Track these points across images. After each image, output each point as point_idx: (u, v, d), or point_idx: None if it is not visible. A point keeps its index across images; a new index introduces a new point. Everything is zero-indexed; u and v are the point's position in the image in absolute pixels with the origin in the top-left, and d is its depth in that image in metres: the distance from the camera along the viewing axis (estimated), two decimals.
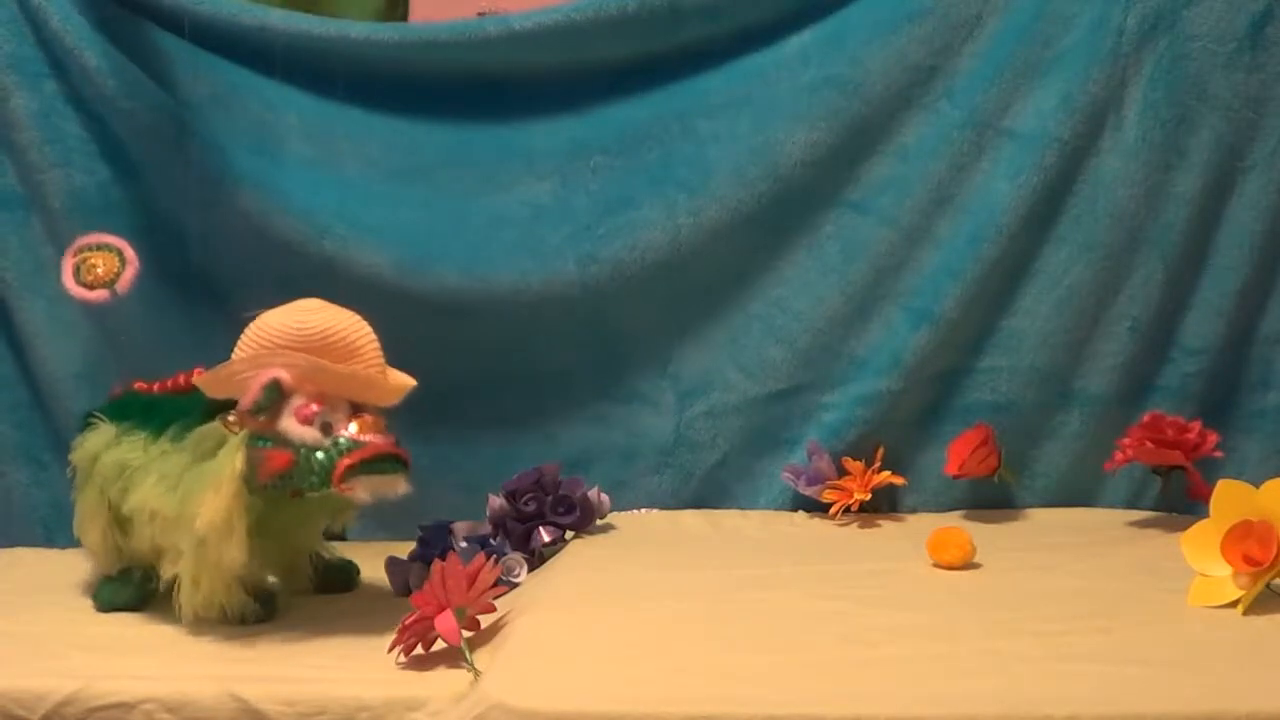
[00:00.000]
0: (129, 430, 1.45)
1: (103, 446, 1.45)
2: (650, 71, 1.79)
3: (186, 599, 1.34)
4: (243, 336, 1.38)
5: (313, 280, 1.76)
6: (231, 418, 1.33)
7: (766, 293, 1.80)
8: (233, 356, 1.38)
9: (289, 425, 1.32)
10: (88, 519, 1.47)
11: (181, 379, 1.48)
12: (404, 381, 1.41)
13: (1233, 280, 1.70)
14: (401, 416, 1.80)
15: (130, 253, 1.58)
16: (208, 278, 1.81)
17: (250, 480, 1.32)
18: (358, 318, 1.39)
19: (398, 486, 1.34)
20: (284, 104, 1.79)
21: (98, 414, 1.50)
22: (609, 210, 1.78)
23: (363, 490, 1.31)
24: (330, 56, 1.79)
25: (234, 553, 1.32)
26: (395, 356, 1.79)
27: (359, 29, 1.79)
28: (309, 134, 1.80)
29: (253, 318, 1.38)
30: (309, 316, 1.37)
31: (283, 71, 1.79)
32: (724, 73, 1.79)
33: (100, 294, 1.56)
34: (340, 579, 1.54)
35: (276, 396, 1.32)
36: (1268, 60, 1.68)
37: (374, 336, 1.39)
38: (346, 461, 1.30)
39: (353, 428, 1.33)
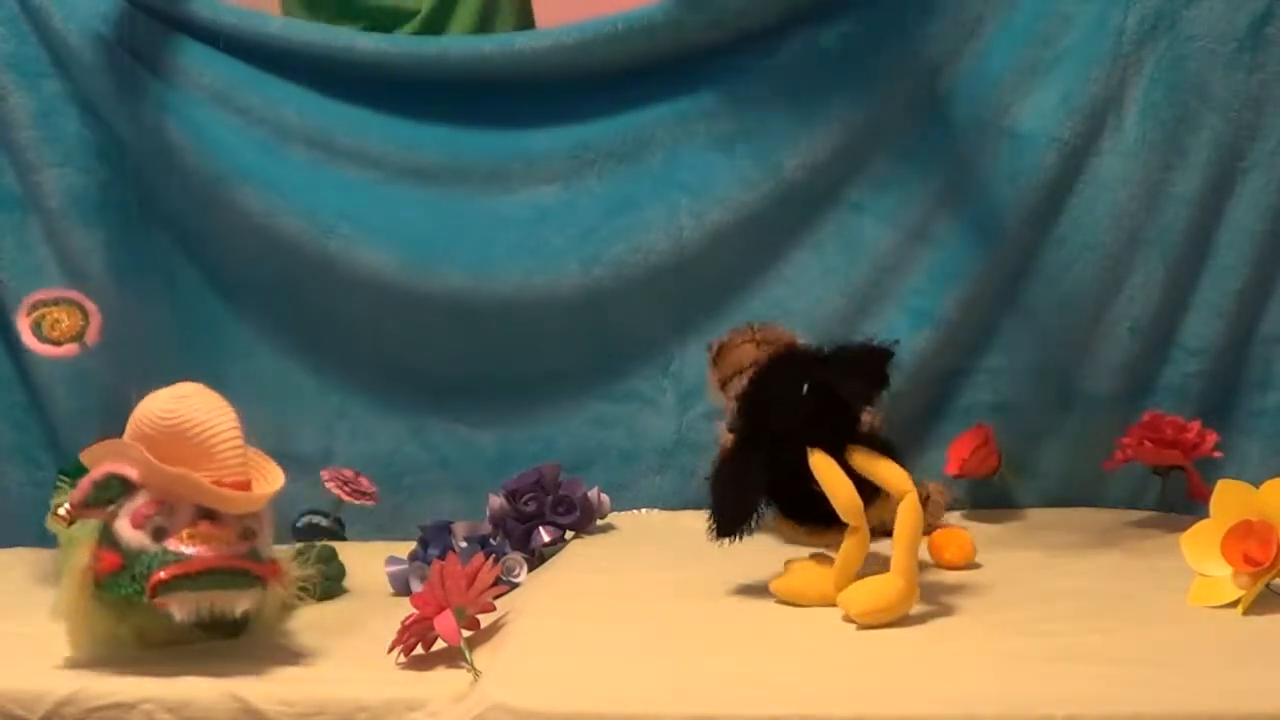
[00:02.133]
0: None
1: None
2: (653, 74, 1.80)
3: None
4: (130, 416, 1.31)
5: (315, 280, 1.78)
6: (61, 511, 1.25)
7: (768, 293, 1.80)
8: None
9: (122, 527, 1.24)
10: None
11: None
12: (254, 493, 1.29)
13: (1233, 280, 1.70)
14: (402, 416, 1.82)
15: (91, 305, 1.56)
16: (207, 278, 1.81)
17: (93, 578, 1.25)
18: (224, 410, 1.29)
19: (231, 604, 1.23)
20: (287, 103, 1.79)
21: (64, 477, 1.47)
22: (612, 212, 1.78)
23: (177, 608, 1.21)
24: (335, 62, 1.79)
25: (79, 647, 1.27)
26: (398, 356, 1.81)
27: (365, 41, 1.80)
28: (312, 134, 1.80)
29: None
30: (175, 405, 1.28)
31: (285, 71, 1.79)
32: (726, 76, 1.79)
33: (69, 349, 1.55)
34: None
35: (114, 493, 1.24)
36: (1268, 60, 1.68)
37: (236, 436, 1.28)
38: (161, 574, 1.21)
39: (183, 536, 1.23)
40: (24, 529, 1.78)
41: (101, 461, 1.27)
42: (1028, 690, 1.09)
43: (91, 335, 1.55)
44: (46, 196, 1.77)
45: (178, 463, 1.24)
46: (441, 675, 1.22)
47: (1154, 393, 1.73)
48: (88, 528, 1.26)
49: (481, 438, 1.81)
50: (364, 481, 1.73)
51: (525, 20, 2.02)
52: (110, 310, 1.76)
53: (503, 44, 1.81)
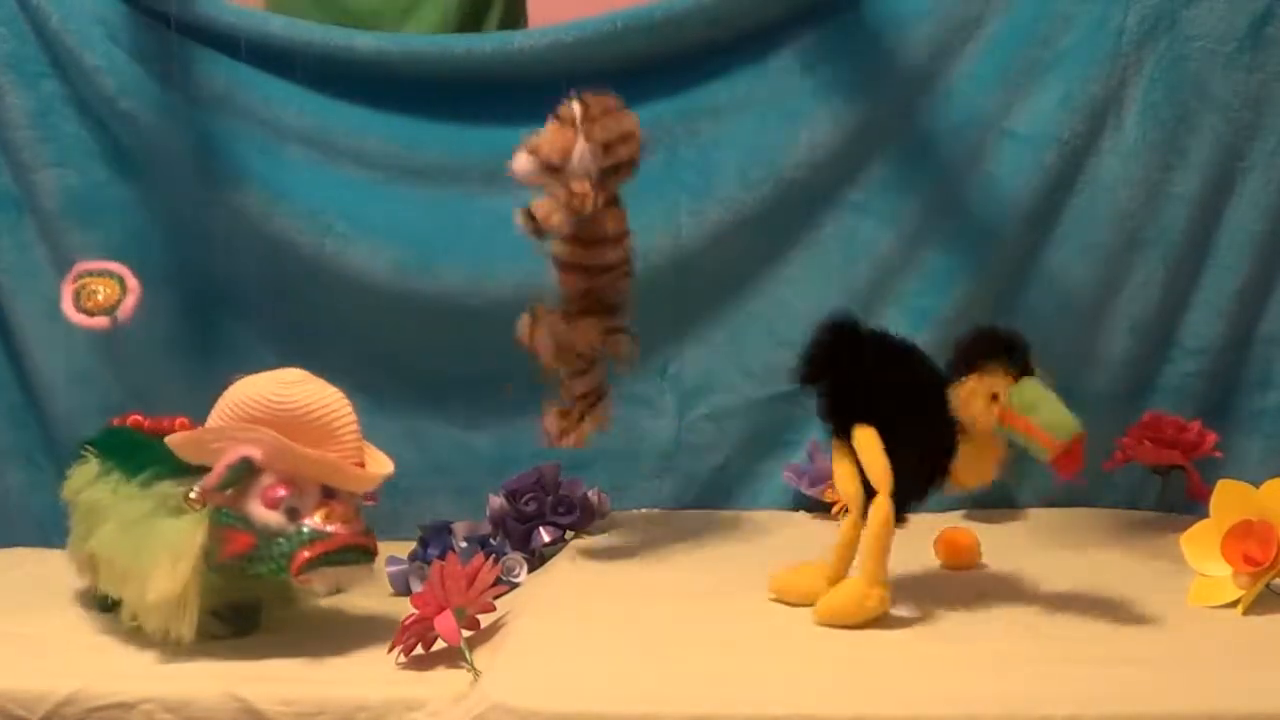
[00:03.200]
0: (109, 469, 1.42)
1: (84, 483, 1.44)
2: (652, 74, 1.79)
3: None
4: (220, 400, 1.34)
5: (313, 280, 1.77)
6: (193, 494, 1.27)
7: (768, 294, 1.79)
8: (209, 420, 1.34)
9: (254, 507, 1.27)
10: (72, 552, 1.46)
11: (176, 423, 1.43)
12: (378, 471, 1.35)
13: (1233, 280, 1.70)
14: (398, 419, 1.81)
15: (132, 280, 1.56)
16: (205, 278, 1.81)
17: (210, 556, 1.29)
18: (339, 395, 1.34)
19: (360, 579, 1.30)
20: (286, 103, 1.79)
21: (89, 446, 1.48)
22: None
23: (320, 583, 1.28)
24: (334, 62, 1.79)
25: (183, 629, 1.29)
26: (395, 357, 1.81)
27: (364, 40, 1.80)
28: (311, 133, 1.80)
29: (237, 378, 1.35)
30: (288, 390, 1.31)
31: (284, 71, 1.79)
32: (726, 74, 1.79)
33: (100, 321, 1.55)
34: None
35: (244, 475, 1.27)
36: (1268, 60, 1.68)
37: (354, 417, 1.33)
38: (306, 554, 1.26)
39: (318, 517, 1.28)
40: (23, 529, 1.78)
41: (208, 445, 1.30)
42: (1028, 690, 1.09)
43: (125, 310, 1.55)
44: (43, 196, 1.76)
45: (299, 444, 1.28)
46: (441, 675, 1.22)
47: (1154, 392, 1.74)
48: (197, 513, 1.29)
49: (479, 440, 1.81)
50: None
51: (516, 18, 2.02)
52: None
53: (502, 43, 1.81)
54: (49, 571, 1.60)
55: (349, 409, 1.34)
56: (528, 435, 1.78)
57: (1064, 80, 1.72)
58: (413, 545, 1.59)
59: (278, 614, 1.39)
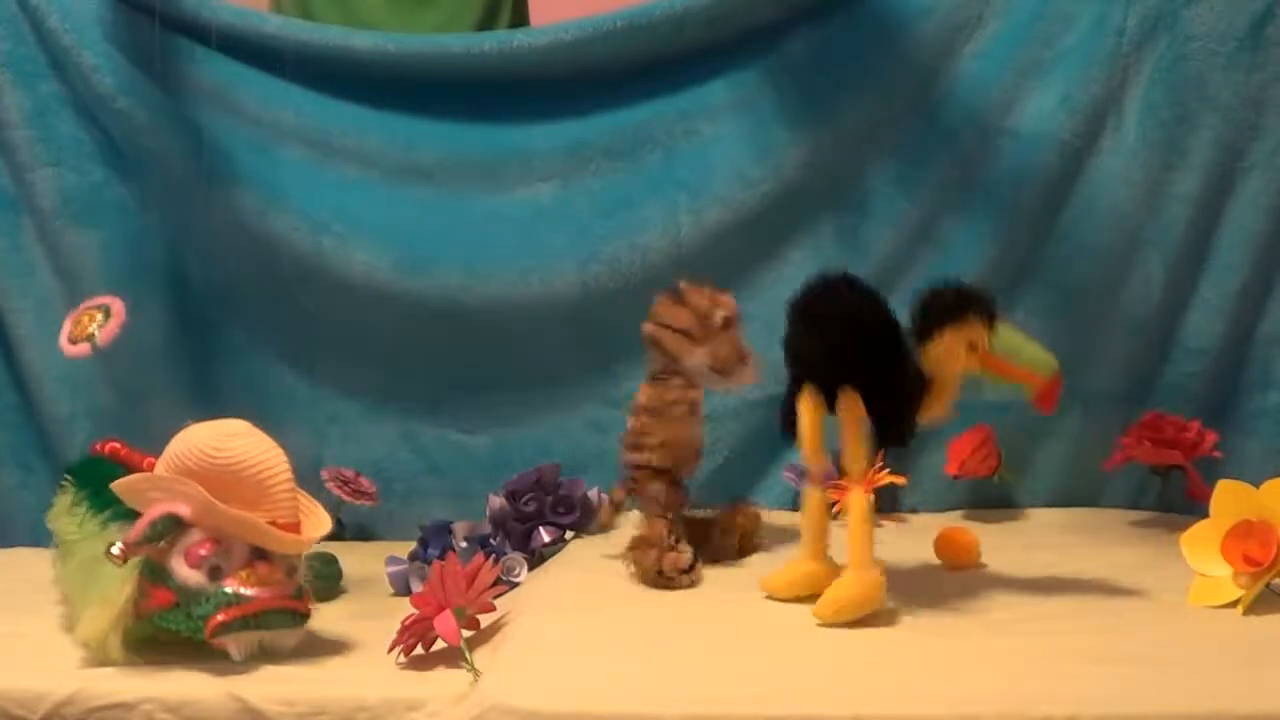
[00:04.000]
0: (80, 500, 1.41)
1: (62, 512, 1.43)
2: (651, 74, 1.80)
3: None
4: (167, 449, 1.31)
5: (309, 280, 1.77)
6: (115, 551, 1.23)
7: (767, 294, 1.79)
8: (157, 466, 1.32)
9: (177, 565, 1.25)
10: (55, 580, 1.45)
11: (145, 462, 1.41)
12: (308, 536, 1.31)
13: (1233, 280, 1.70)
14: (401, 416, 1.81)
15: (118, 307, 1.56)
16: (201, 278, 1.81)
17: (138, 610, 1.26)
18: (277, 451, 1.30)
19: (283, 641, 1.27)
20: (283, 102, 1.79)
21: (68, 476, 1.47)
22: (609, 211, 1.78)
23: (235, 649, 1.24)
24: (331, 61, 1.79)
25: (106, 662, 1.26)
26: (392, 357, 1.81)
27: (362, 39, 1.80)
28: (308, 132, 1.80)
29: (188, 423, 1.33)
30: (226, 443, 1.28)
31: (282, 71, 1.79)
32: (725, 74, 1.79)
33: (82, 348, 1.55)
34: None
35: (169, 531, 1.24)
36: (1267, 60, 1.68)
37: (289, 476, 1.30)
38: (220, 618, 1.23)
39: (240, 578, 1.24)
40: (17, 530, 1.78)
41: (146, 495, 1.27)
42: (1028, 690, 1.09)
43: (104, 336, 1.55)
44: (40, 196, 1.77)
45: (230, 501, 1.25)
46: (441, 675, 1.22)
47: (1154, 393, 1.74)
48: (127, 564, 1.25)
49: (475, 442, 1.81)
50: (364, 482, 1.73)
51: (520, 18, 2.02)
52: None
53: (501, 41, 1.81)
54: (47, 572, 1.60)
55: (285, 466, 1.30)
56: (524, 437, 1.79)
57: (1064, 80, 1.72)
58: (413, 545, 1.59)
59: None
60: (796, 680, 1.14)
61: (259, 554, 1.26)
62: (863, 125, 1.76)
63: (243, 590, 1.24)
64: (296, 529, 1.30)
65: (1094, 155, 1.73)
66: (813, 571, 1.33)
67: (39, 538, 1.72)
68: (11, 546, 1.76)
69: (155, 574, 1.25)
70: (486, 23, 1.98)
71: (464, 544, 1.57)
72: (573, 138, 1.81)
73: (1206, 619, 1.29)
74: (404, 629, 1.26)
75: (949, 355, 1.29)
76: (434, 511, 1.70)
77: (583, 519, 1.64)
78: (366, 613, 1.43)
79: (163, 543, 1.24)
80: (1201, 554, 1.34)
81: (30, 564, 1.67)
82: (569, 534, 1.63)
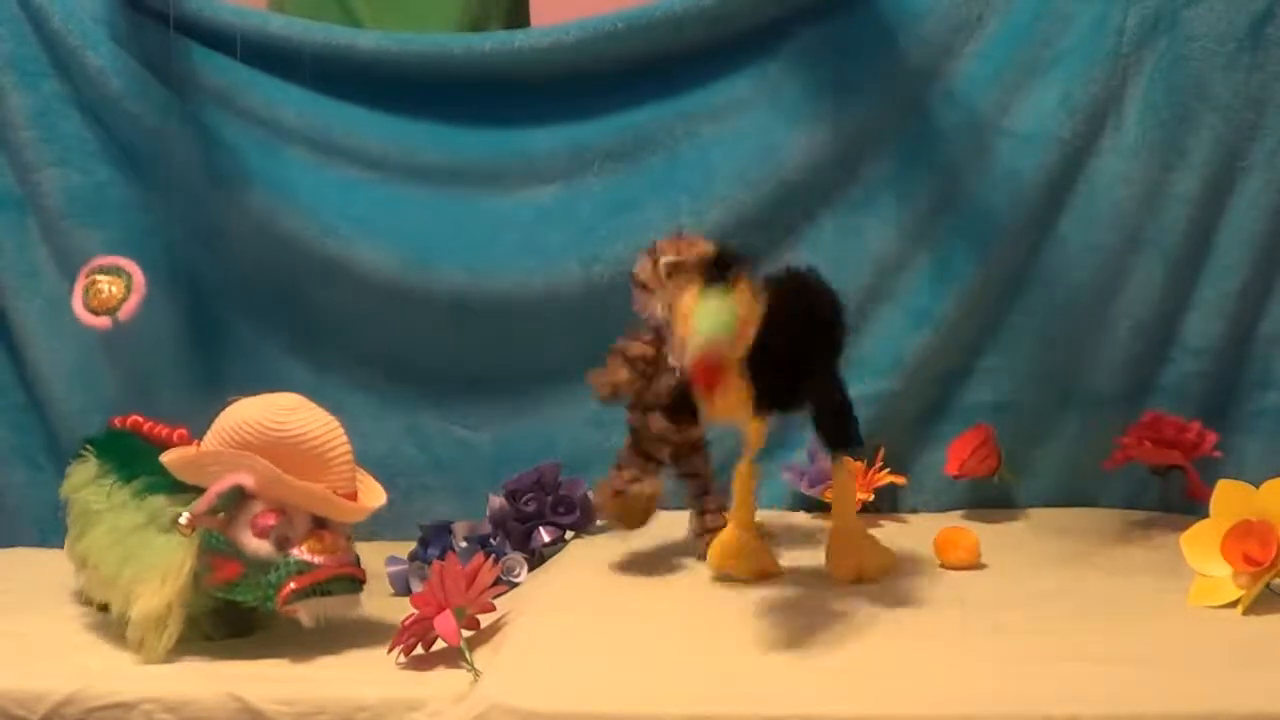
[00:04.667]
0: (106, 471, 1.43)
1: (82, 483, 1.45)
2: (653, 74, 1.79)
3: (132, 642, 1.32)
4: (217, 422, 1.35)
5: (314, 280, 1.78)
6: (183, 520, 1.27)
7: None
8: (205, 440, 1.35)
9: (243, 535, 1.28)
10: (68, 547, 1.47)
11: (175, 434, 1.44)
12: (369, 504, 1.36)
13: (1233, 280, 1.70)
14: (398, 417, 1.81)
15: (139, 278, 1.56)
16: (206, 278, 1.81)
17: (199, 580, 1.29)
18: (334, 423, 1.35)
19: (348, 608, 1.31)
20: (286, 102, 1.79)
21: (89, 446, 1.49)
22: (612, 211, 1.78)
23: (306, 615, 1.28)
24: (335, 61, 1.79)
25: (159, 647, 1.28)
26: (396, 356, 1.81)
27: (366, 39, 1.80)
28: (312, 133, 1.80)
29: (233, 400, 1.36)
30: (284, 417, 1.33)
31: (285, 71, 1.79)
32: (726, 75, 1.79)
33: (103, 320, 1.55)
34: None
35: (234, 502, 1.28)
36: (1267, 60, 1.67)
37: (348, 447, 1.34)
38: (292, 585, 1.27)
39: (305, 547, 1.29)
40: (24, 529, 1.78)
41: (206, 469, 1.30)
42: (1028, 690, 1.09)
43: (126, 311, 1.54)
44: (45, 196, 1.77)
45: (292, 473, 1.29)
46: (441, 675, 1.22)
47: (1154, 393, 1.73)
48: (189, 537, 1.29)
49: (479, 439, 1.81)
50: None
51: (520, 18, 2.02)
52: None
53: (503, 42, 1.81)
54: (49, 571, 1.60)
55: (343, 438, 1.34)
56: (527, 435, 1.79)
57: (1064, 80, 1.71)
58: (413, 545, 1.59)
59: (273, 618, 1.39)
60: (796, 680, 1.14)
61: (320, 523, 1.30)
62: (862, 125, 1.76)
63: (311, 558, 1.28)
64: (354, 499, 1.34)
65: (1094, 155, 1.72)
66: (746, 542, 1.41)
67: (45, 537, 1.73)
68: (18, 544, 1.76)
69: (220, 546, 1.28)
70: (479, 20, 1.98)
71: (464, 544, 1.58)
72: (574, 139, 1.80)
73: (1206, 619, 1.28)
74: (404, 629, 1.26)
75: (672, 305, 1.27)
76: (437, 507, 1.70)
77: (583, 519, 1.64)
78: (366, 613, 1.43)
79: (222, 515, 1.27)
80: (1201, 554, 1.34)
81: (34, 563, 1.68)
82: (569, 534, 1.63)
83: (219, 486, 1.28)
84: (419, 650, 1.26)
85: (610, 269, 1.76)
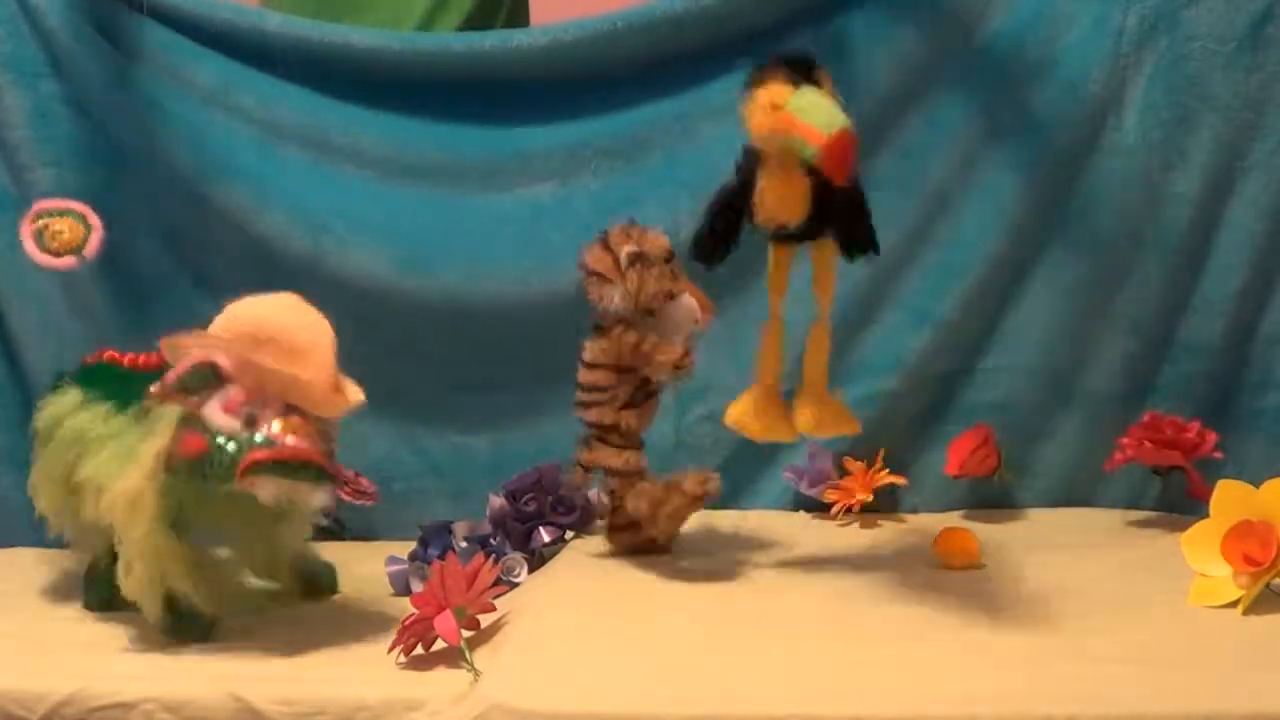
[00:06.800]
0: (94, 399, 1.42)
1: (66, 412, 1.44)
2: (652, 74, 1.79)
3: (122, 583, 1.32)
4: (215, 319, 1.35)
5: (309, 279, 1.76)
6: (154, 388, 1.27)
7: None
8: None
9: (212, 412, 1.27)
10: (42, 482, 1.46)
11: (155, 357, 1.42)
12: (348, 397, 1.33)
13: (1233, 280, 1.70)
14: (400, 416, 1.81)
15: (94, 218, 1.55)
16: (199, 278, 1.80)
17: (171, 462, 1.28)
18: (323, 323, 1.33)
19: (310, 497, 1.27)
20: (281, 101, 1.79)
21: (66, 378, 1.48)
22: (610, 211, 1.77)
23: (264, 490, 1.24)
24: (330, 60, 1.79)
25: (139, 530, 1.28)
26: (391, 358, 1.81)
27: (362, 38, 1.80)
28: (306, 132, 1.80)
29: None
30: (271, 311, 1.32)
31: (279, 69, 1.79)
32: (726, 75, 1.79)
33: (68, 260, 1.54)
34: (325, 583, 1.51)
35: (207, 379, 1.27)
36: (1267, 60, 1.68)
37: (331, 345, 1.32)
38: (255, 455, 1.24)
39: (275, 426, 1.26)
40: (19, 530, 1.77)
41: (190, 351, 1.29)
42: (1028, 690, 1.09)
43: (91, 249, 1.54)
44: (40, 196, 1.76)
45: (274, 364, 1.28)
46: (441, 675, 1.22)
47: (1154, 393, 1.73)
48: (164, 418, 1.28)
49: (475, 443, 1.81)
50: (364, 481, 1.72)
51: (520, 17, 2.02)
52: (104, 309, 1.77)
53: (501, 41, 1.81)
54: (48, 572, 1.60)
55: (328, 336, 1.32)
56: (525, 437, 1.79)
57: (1064, 80, 1.71)
58: (413, 545, 1.59)
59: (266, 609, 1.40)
60: (796, 680, 1.14)
61: (294, 410, 1.28)
62: (861, 125, 1.75)
63: (279, 437, 1.25)
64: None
65: (1094, 155, 1.72)
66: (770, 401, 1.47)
67: (42, 537, 1.72)
68: (11, 546, 1.76)
69: (188, 422, 1.27)
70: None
71: (464, 544, 1.57)
72: (573, 138, 1.80)
73: (1206, 619, 1.29)
74: (404, 629, 1.26)
75: (754, 114, 1.32)
76: (434, 511, 1.70)
77: (583, 519, 1.64)
78: (366, 613, 1.43)
79: (195, 397, 1.27)
80: (1201, 554, 1.34)
81: (30, 564, 1.67)
82: (569, 534, 1.63)
83: (189, 361, 1.27)
84: (419, 650, 1.26)
85: None
